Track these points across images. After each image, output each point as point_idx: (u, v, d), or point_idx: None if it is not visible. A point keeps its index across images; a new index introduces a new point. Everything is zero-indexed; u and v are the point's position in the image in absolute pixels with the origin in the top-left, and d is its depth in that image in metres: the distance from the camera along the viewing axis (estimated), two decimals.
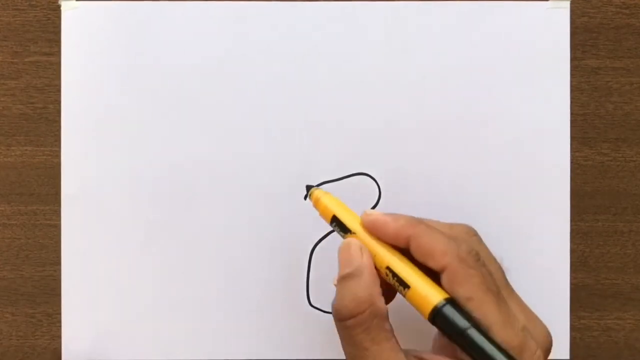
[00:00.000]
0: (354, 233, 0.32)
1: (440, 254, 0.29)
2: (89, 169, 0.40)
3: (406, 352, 0.29)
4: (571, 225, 0.40)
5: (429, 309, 0.29)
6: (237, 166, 0.40)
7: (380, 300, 0.30)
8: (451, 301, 0.29)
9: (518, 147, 0.40)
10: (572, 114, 0.40)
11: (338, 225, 0.33)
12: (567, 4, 0.40)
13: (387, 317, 0.30)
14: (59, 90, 0.40)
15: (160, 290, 0.40)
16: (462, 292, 0.29)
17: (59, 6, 0.40)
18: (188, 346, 0.40)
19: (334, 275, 0.33)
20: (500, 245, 0.40)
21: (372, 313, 0.29)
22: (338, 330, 0.31)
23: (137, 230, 0.40)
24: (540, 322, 0.30)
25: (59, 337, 0.40)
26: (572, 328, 0.41)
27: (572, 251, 0.41)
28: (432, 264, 0.30)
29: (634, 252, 0.41)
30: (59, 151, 0.40)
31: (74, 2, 0.40)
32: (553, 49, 0.40)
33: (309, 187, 0.36)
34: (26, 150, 0.41)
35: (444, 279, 0.29)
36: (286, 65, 0.40)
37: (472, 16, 0.40)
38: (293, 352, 0.40)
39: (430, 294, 0.29)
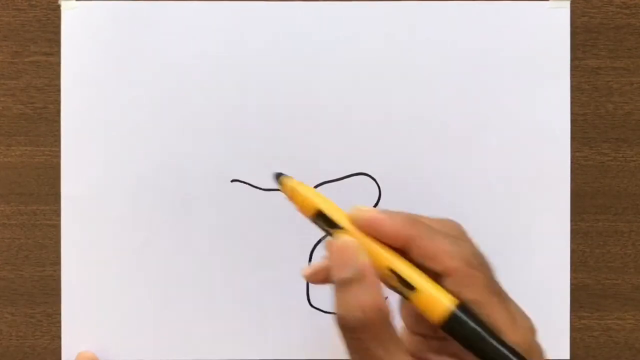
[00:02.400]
0: (343, 229, 0.29)
1: (447, 257, 0.28)
2: (89, 169, 0.40)
3: (412, 354, 0.28)
4: (571, 225, 0.40)
5: (440, 313, 0.27)
6: (237, 166, 0.40)
7: (386, 305, 0.28)
8: (462, 306, 0.27)
9: (518, 147, 0.40)
10: (572, 114, 0.40)
11: (324, 220, 0.30)
12: (567, 4, 0.40)
13: (393, 322, 0.28)
14: (59, 90, 0.40)
15: (160, 290, 0.40)
16: (469, 295, 0.28)
17: (59, 6, 0.40)
18: (188, 346, 0.40)
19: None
20: (500, 245, 0.40)
21: (381, 320, 0.27)
22: (344, 338, 0.29)
23: (137, 230, 0.40)
24: (531, 324, 0.30)
25: (59, 337, 0.40)
26: (572, 328, 0.41)
27: (572, 251, 0.41)
28: (436, 266, 0.28)
29: (634, 252, 0.41)
30: (59, 151, 0.40)
31: (74, 2, 0.40)
32: (553, 49, 0.40)
33: (278, 175, 0.32)
34: (26, 150, 0.41)
35: (450, 281, 0.28)
36: (286, 65, 0.40)
37: (472, 16, 0.40)
38: (293, 352, 0.40)
39: (440, 298, 0.27)
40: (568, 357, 0.40)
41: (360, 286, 0.28)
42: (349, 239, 0.29)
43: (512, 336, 0.27)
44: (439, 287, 0.28)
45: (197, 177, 0.40)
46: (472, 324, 0.27)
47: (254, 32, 0.40)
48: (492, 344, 0.27)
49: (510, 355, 0.26)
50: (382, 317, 0.27)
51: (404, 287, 0.28)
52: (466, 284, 0.28)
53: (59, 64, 0.40)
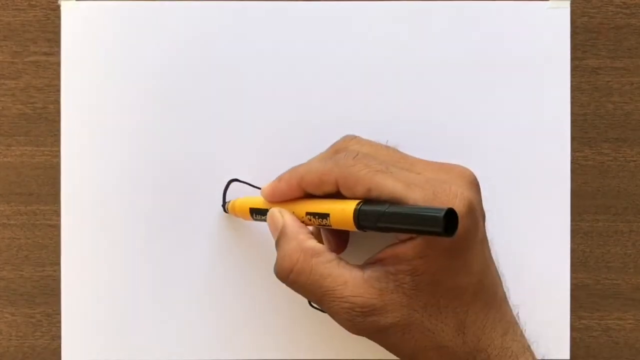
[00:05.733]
0: (268, 210, 0.34)
1: (325, 176, 0.31)
2: (89, 169, 0.40)
3: (363, 266, 0.31)
4: (571, 225, 0.40)
5: (350, 217, 0.30)
6: (236, 165, 0.40)
7: (310, 241, 0.31)
8: (363, 201, 0.30)
9: (518, 147, 0.40)
10: (572, 114, 0.40)
11: (256, 212, 0.36)
12: (567, 4, 0.40)
13: (325, 250, 0.31)
14: (59, 90, 0.40)
15: (160, 290, 0.40)
16: (360, 190, 0.30)
17: (59, 6, 0.40)
18: (188, 346, 0.40)
19: None
20: (500, 245, 0.40)
21: (306, 255, 0.31)
22: (293, 290, 0.32)
23: (136, 230, 0.40)
24: (455, 166, 0.32)
25: (59, 337, 0.40)
26: (572, 328, 0.41)
27: (572, 251, 0.41)
28: (328, 188, 0.31)
29: (634, 252, 0.41)
30: (59, 151, 0.40)
31: (74, 2, 0.40)
32: (553, 49, 0.40)
33: (224, 204, 0.39)
34: (26, 150, 0.41)
35: (342, 192, 0.31)
36: (286, 65, 0.40)
37: (472, 16, 0.40)
38: (293, 352, 0.40)
39: (345, 208, 0.30)
40: (568, 357, 0.40)
41: (284, 240, 0.32)
42: (272, 209, 0.34)
43: (408, 196, 0.29)
44: (343, 201, 0.31)
45: (197, 177, 0.40)
46: (374, 209, 0.29)
47: (254, 32, 0.40)
48: (398, 213, 0.28)
49: (411, 211, 0.28)
50: (305, 253, 0.31)
51: (321, 218, 0.31)
52: (351, 183, 0.30)
53: (59, 64, 0.40)
